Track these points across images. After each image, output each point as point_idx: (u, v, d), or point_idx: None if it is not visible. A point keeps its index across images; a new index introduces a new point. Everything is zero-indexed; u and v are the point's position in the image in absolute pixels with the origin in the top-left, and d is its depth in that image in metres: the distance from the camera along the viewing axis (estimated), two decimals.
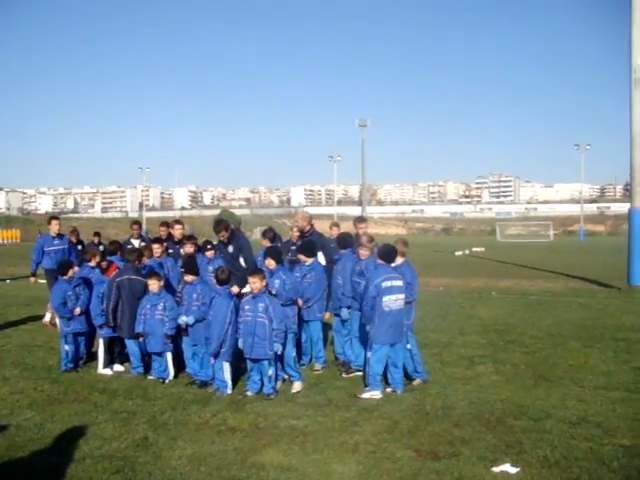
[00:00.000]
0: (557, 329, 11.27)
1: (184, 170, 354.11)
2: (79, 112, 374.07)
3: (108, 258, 8.88)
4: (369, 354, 7.02)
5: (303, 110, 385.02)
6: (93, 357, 8.50)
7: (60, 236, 10.92)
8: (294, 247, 8.60)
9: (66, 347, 8.19)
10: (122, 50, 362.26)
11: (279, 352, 6.93)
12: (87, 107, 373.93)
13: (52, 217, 11.27)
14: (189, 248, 8.68)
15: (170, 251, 9.33)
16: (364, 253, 7.68)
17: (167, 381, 7.60)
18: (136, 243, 10.13)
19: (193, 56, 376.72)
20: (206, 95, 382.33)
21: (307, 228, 8.70)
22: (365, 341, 7.30)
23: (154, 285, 7.73)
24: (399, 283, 7.05)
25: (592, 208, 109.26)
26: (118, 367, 8.22)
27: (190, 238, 9.04)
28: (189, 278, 7.56)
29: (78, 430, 5.81)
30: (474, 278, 21.80)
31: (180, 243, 9.39)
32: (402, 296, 7.05)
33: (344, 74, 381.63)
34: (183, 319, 7.43)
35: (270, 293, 7.06)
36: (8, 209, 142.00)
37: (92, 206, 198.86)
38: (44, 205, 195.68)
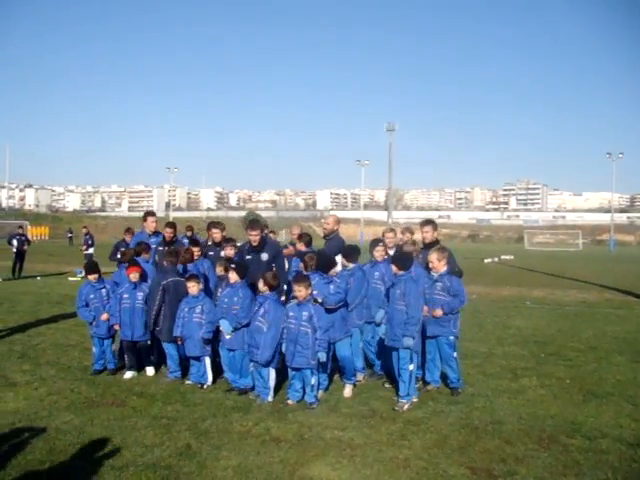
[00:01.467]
0: (598, 342, 10.93)
1: (211, 171, 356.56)
2: (108, 111, 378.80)
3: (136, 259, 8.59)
4: (411, 366, 6.79)
5: (330, 114, 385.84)
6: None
7: (156, 233, 9.89)
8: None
9: (94, 349, 8.19)
10: (153, 50, 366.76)
11: (322, 361, 6.74)
12: (116, 107, 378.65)
13: (148, 213, 10.17)
14: (229, 251, 8.54)
15: (210, 253, 9.16)
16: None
17: (205, 386, 7.46)
18: (186, 243, 9.71)
19: (225, 59, 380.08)
20: (234, 98, 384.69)
21: (335, 229, 8.54)
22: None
23: (194, 287, 7.60)
24: None
25: (622, 218, 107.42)
26: (150, 371, 8.07)
27: (230, 241, 8.90)
28: (235, 279, 7.38)
29: (118, 435, 5.69)
30: (506, 287, 21.45)
31: (219, 245, 9.25)
32: None
33: (372, 78, 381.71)
34: (222, 328, 7.26)
35: (315, 301, 6.86)
36: (37, 206, 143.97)
37: (119, 205, 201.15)
38: (72, 203, 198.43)
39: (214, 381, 7.58)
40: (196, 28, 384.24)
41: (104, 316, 8.03)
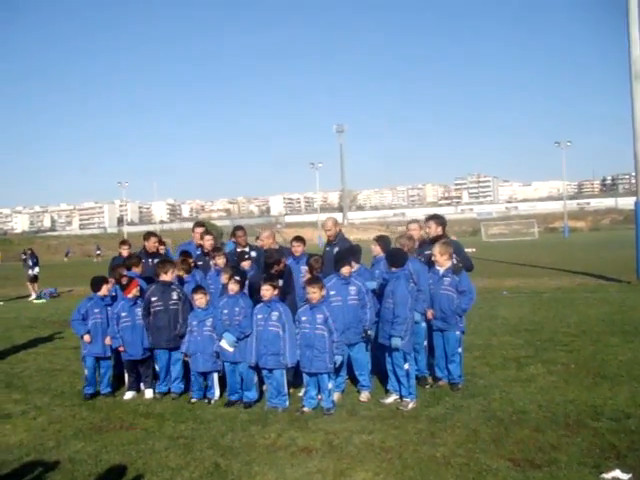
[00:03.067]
0: (587, 326, 11.06)
1: (161, 183, 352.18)
2: (52, 129, 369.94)
3: (127, 274, 8.19)
4: (406, 365, 6.67)
5: (279, 118, 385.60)
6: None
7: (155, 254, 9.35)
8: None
9: (85, 371, 7.73)
10: (98, 65, 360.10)
11: (338, 364, 6.58)
12: (59, 124, 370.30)
13: (149, 233, 9.75)
14: (220, 260, 8.30)
15: (200, 263, 8.89)
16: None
17: (213, 401, 7.20)
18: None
19: (170, 69, 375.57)
20: (181, 107, 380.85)
21: (338, 231, 8.38)
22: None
23: (201, 300, 7.34)
24: None
25: (572, 205, 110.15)
26: (149, 393, 7.65)
27: (219, 250, 8.66)
28: (235, 289, 7.15)
29: (139, 460, 5.40)
30: (478, 278, 21.51)
31: (208, 255, 9.00)
32: None
33: (320, 80, 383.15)
34: (224, 342, 7.01)
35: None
36: None
37: (70, 223, 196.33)
38: (20, 224, 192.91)
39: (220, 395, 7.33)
40: (139, 40, 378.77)
41: (107, 340, 7.67)
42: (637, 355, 8.45)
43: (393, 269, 6.79)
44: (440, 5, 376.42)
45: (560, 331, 10.66)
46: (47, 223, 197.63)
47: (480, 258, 35.20)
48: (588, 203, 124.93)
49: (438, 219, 8.09)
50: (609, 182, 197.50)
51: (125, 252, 9.46)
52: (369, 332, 6.93)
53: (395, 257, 6.92)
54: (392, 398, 6.81)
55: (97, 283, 7.90)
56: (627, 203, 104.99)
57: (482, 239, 73.31)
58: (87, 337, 7.64)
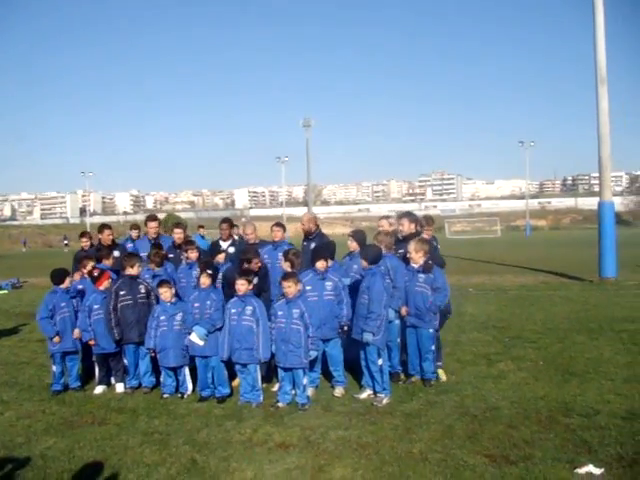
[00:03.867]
0: (553, 323, 11.28)
1: (125, 174, 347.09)
2: (13, 115, 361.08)
3: (98, 266, 8.07)
4: (380, 361, 6.71)
5: (245, 111, 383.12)
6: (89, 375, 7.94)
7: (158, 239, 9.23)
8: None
9: (53, 367, 7.54)
10: (62, 50, 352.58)
11: (313, 359, 6.59)
12: (22, 110, 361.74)
13: (104, 226, 9.54)
14: (192, 254, 8.21)
15: (170, 256, 8.76)
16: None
17: (186, 396, 7.14)
18: (224, 245, 8.83)
19: (133, 57, 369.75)
20: (146, 96, 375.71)
21: (313, 229, 8.36)
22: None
23: (166, 293, 7.25)
24: None
25: (534, 203, 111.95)
26: (120, 387, 7.55)
27: (191, 243, 8.55)
28: (207, 283, 7.09)
29: (114, 456, 5.33)
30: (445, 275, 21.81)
31: (180, 248, 8.89)
32: None
33: (287, 74, 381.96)
34: (194, 336, 6.95)
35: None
36: None
37: (30, 213, 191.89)
38: None
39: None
40: (103, 26, 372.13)
41: (76, 333, 7.51)
42: (603, 352, 8.65)
43: (370, 265, 6.80)
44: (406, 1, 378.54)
45: (527, 328, 10.84)
46: (7, 212, 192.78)
47: (445, 255, 35.45)
48: (549, 202, 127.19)
49: (411, 216, 8.15)
50: (569, 182, 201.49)
51: (85, 244, 9.24)
52: (345, 328, 6.94)
53: (370, 253, 6.94)
54: (366, 393, 6.85)
55: (59, 275, 7.69)
56: (586, 203, 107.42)
57: (446, 236, 74.03)
58: (57, 339, 7.49)
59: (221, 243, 8.87)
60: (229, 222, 9.11)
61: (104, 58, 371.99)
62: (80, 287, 7.91)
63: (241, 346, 6.67)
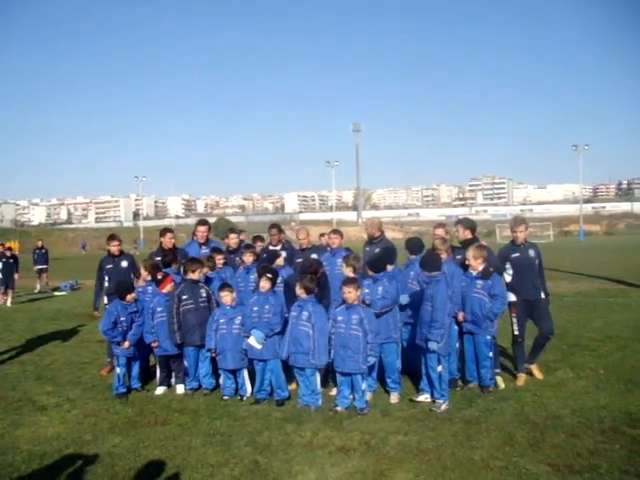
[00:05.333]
0: (612, 331, 11.00)
1: (177, 178, 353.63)
2: (70, 122, 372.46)
3: (163, 270, 8.30)
4: (440, 367, 6.68)
5: (295, 116, 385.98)
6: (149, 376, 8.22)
7: (207, 244, 9.30)
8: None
9: (118, 370, 7.67)
10: (112, 59, 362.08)
11: (371, 364, 6.62)
12: (77, 117, 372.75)
13: (200, 222, 9.60)
14: (249, 258, 8.35)
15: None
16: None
17: (245, 398, 7.26)
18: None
19: (186, 63, 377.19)
20: (198, 102, 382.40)
21: (377, 234, 8.37)
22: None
23: (227, 297, 7.39)
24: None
25: (587, 208, 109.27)
26: (181, 389, 7.70)
27: (249, 247, 8.70)
28: (266, 287, 7.21)
29: (178, 456, 5.46)
30: None
31: (235, 252, 9.06)
32: None
33: (337, 79, 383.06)
34: (252, 340, 7.05)
35: (364, 303, 6.73)
36: (1, 221, 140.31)
37: (85, 216, 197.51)
38: (37, 216, 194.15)
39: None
40: (158, 36, 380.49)
41: (125, 344, 7.65)
42: None
43: (433, 273, 6.79)
44: (458, 10, 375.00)
45: (585, 336, 10.61)
46: (64, 216, 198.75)
47: None
48: (603, 207, 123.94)
49: (466, 223, 8.12)
50: (625, 186, 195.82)
51: (114, 248, 9.13)
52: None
53: (430, 261, 6.93)
54: (423, 397, 6.84)
55: (124, 291, 7.83)
56: None
57: (497, 240, 72.81)
58: (127, 344, 7.67)
59: (271, 249, 9.03)
60: (278, 227, 9.28)
61: (158, 65, 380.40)
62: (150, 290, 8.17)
63: (297, 350, 6.75)
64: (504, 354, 8.95)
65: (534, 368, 7.60)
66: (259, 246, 9.12)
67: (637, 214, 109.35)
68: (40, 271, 22.94)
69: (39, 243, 24.13)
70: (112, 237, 9.37)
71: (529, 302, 7.75)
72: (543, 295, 7.90)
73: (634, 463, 4.98)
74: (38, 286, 22.70)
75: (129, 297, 7.76)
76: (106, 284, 8.97)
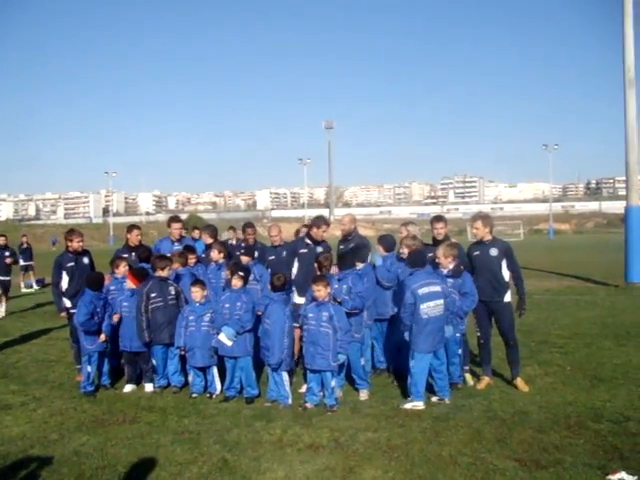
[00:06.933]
0: (579, 328, 11.18)
1: (148, 174, 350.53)
2: (38, 117, 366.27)
3: (140, 265, 8.24)
4: (411, 363, 6.73)
5: (268, 113, 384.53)
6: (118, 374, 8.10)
7: (181, 241, 9.19)
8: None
9: (88, 368, 7.50)
10: (86, 52, 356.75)
11: (341, 362, 6.63)
12: (46, 111, 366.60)
13: (174, 219, 9.38)
14: (217, 255, 8.30)
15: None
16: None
17: (214, 396, 7.21)
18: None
19: (158, 59, 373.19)
20: (169, 99, 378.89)
21: (353, 228, 8.39)
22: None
23: (197, 294, 7.33)
24: (437, 289, 6.80)
25: (557, 207, 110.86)
26: (149, 387, 7.60)
27: (218, 244, 8.63)
28: (238, 285, 7.17)
29: (145, 454, 5.41)
30: None
31: (209, 249, 8.99)
32: (441, 302, 6.79)
33: (310, 76, 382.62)
34: (222, 336, 7.02)
35: (335, 301, 6.73)
36: None
37: (54, 212, 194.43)
38: (5, 212, 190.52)
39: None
40: (126, 24, 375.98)
41: (102, 337, 7.57)
42: (631, 359, 8.57)
43: (417, 269, 6.84)
44: (431, 8, 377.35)
45: (553, 333, 10.77)
46: (32, 212, 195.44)
47: None
48: (573, 206, 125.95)
49: (445, 220, 8.13)
50: (593, 186, 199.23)
51: (77, 244, 8.48)
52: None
53: (416, 258, 6.97)
54: (410, 404, 6.69)
55: (99, 282, 7.76)
56: (611, 207, 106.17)
57: (468, 239, 73.59)
58: (103, 336, 7.59)
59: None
60: (253, 226, 9.32)
61: (132, 59, 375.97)
62: (112, 288, 8.04)
63: (264, 347, 6.85)
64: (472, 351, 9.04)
65: (518, 382, 7.25)
66: (249, 235, 9.19)
67: (605, 213, 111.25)
68: (26, 268, 22.38)
69: (23, 239, 23.48)
70: (74, 232, 8.61)
71: (486, 303, 7.37)
72: (509, 298, 7.43)
73: (597, 457, 5.07)
74: (22, 284, 22.09)
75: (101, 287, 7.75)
76: (66, 285, 8.20)
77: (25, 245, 22.67)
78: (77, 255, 8.43)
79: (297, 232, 9.63)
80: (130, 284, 7.68)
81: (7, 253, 16.22)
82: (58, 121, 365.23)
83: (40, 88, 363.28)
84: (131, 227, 9.16)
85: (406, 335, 6.78)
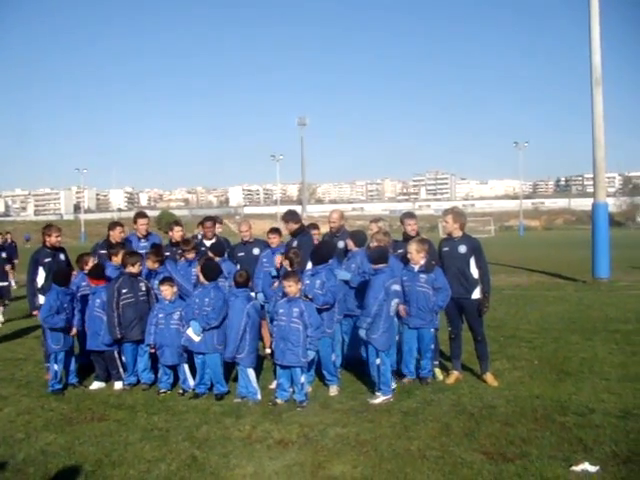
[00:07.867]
0: (547, 323, 11.36)
1: (120, 171, 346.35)
2: (7, 113, 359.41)
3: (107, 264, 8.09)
4: (378, 360, 6.72)
5: (240, 109, 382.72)
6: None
7: (147, 237, 9.07)
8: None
9: (55, 367, 7.39)
10: (56, 46, 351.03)
11: (310, 359, 6.64)
12: (16, 106, 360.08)
13: (140, 214, 9.29)
14: (190, 254, 8.25)
15: (167, 253, 8.76)
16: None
17: (188, 392, 7.17)
18: (207, 244, 8.92)
19: (128, 53, 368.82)
20: (141, 94, 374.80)
21: (342, 224, 8.45)
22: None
23: (167, 291, 7.28)
24: (399, 288, 6.90)
25: (527, 204, 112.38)
26: (118, 385, 7.53)
27: (189, 243, 8.56)
28: (206, 281, 7.14)
29: (114, 452, 5.36)
30: None
31: (178, 245, 8.91)
32: (398, 301, 6.91)
33: (282, 72, 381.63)
34: (190, 331, 6.99)
35: (307, 297, 6.73)
36: None
37: (24, 209, 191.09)
38: None
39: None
40: (100, 25, 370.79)
41: (73, 331, 7.55)
42: (597, 352, 8.73)
43: (379, 265, 6.81)
44: (400, 2, 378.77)
45: (521, 328, 10.93)
46: (1, 208, 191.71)
47: None
48: (542, 203, 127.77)
49: (415, 217, 8.19)
50: (563, 183, 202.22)
51: (56, 239, 8.42)
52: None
53: (380, 254, 6.96)
54: (382, 398, 6.71)
55: (66, 278, 7.64)
56: (580, 204, 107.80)
57: (439, 235, 74.20)
58: (74, 330, 7.55)
59: (205, 242, 9.03)
60: (213, 220, 9.25)
61: (101, 56, 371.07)
62: (84, 284, 7.94)
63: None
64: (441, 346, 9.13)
65: (487, 376, 7.32)
66: (208, 228, 9.11)
67: (574, 210, 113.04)
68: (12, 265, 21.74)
69: (8, 236, 22.87)
70: (52, 227, 8.52)
71: (454, 300, 7.39)
72: (478, 295, 7.42)
73: (563, 449, 5.16)
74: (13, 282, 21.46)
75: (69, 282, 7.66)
76: (42, 281, 8.06)
77: (9, 241, 22.12)
78: (54, 251, 8.34)
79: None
80: (91, 283, 7.62)
81: (3, 255, 15.24)
82: (28, 117, 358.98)
83: (9, 84, 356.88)
84: (114, 224, 9.02)
85: (362, 333, 6.72)
